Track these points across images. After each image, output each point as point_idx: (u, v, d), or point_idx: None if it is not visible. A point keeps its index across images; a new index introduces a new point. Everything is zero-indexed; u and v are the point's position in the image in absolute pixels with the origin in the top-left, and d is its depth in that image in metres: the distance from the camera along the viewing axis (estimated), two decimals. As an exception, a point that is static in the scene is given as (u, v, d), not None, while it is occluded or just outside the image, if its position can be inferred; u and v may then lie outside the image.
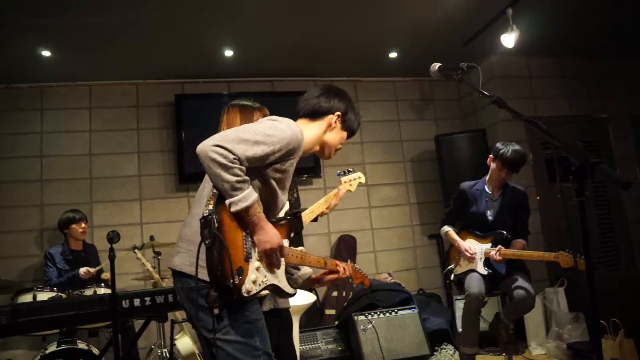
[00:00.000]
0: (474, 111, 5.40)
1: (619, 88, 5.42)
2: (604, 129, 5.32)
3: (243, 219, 1.55)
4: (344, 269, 1.98)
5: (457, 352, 3.86)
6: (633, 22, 4.40)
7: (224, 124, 2.21)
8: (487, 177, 3.45)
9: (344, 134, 1.88)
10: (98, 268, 3.78)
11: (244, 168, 1.51)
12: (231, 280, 1.46)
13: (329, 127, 1.82)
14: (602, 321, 3.15)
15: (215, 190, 1.55)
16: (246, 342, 1.54)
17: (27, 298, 3.26)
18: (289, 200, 1.85)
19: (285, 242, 1.70)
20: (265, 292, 1.61)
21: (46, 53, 4.03)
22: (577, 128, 5.18)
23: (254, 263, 1.56)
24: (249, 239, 1.56)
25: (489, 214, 3.40)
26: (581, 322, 3.86)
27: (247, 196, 1.52)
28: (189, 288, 1.57)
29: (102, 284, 3.53)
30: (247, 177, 1.52)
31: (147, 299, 2.44)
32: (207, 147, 1.49)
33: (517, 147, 3.23)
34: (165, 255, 4.13)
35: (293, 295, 1.74)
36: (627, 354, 3.02)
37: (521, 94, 5.06)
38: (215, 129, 1.94)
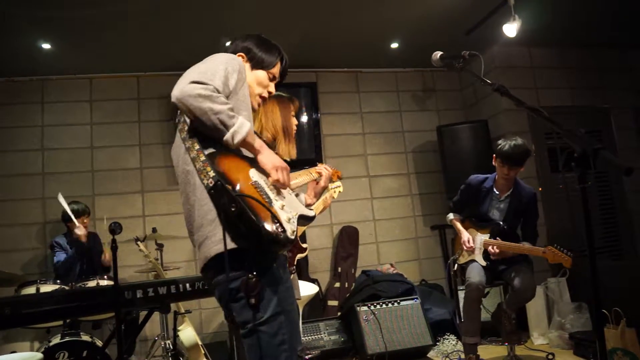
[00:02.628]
0: (476, 102, 5.37)
1: (621, 78, 5.39)
2: (606, 119, 5.29)
3: (242, 159, 1.48)
4: (325, 169, 2.14)
5: (459, 342, 3.87)
6: (635, 12, 4.36)
7: (261, 115, 2.23)
8: (495, 176, 3.39)
9: (258, 73, 1.77)
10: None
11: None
12: (275, 230, 1.33)
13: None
14: (604, 310, 3.15)
15: (203, 157, 1.43)
16: (276, 333, 1.42)
17: (30, 290, 3.28)
18: None
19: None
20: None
21: (46, 46, 4.02)
22: (579, 118, 5.15)
23: (277, 203, 1.45)
24: (259, 183, 1.45)
25: (494, 215, 3.37)
26: (583, 312, 3.86)
27: (243, 121, 1.43)
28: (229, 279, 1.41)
29: (105, 276, 3.55)
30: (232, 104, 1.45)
31: (150, 290, 2.44)
32: (184, 86, 1.42)
33: (517, 141, 3.15)
34: (167, 248, 4.13)
35: (314, 216, 1.68)
36: (629, 343, 3.02)
37: (523, 84, 5.03)
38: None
